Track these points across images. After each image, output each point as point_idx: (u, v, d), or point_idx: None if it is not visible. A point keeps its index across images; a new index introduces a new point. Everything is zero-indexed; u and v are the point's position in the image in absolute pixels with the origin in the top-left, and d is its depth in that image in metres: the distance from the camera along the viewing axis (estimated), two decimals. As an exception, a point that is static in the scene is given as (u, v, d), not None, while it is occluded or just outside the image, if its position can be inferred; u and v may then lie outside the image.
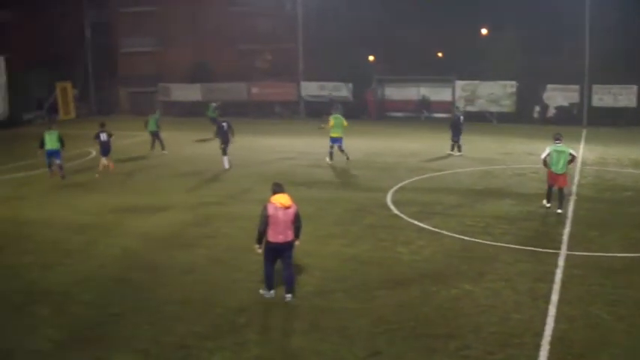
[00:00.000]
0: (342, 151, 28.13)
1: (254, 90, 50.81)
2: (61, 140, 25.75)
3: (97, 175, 26.69)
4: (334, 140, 28.18)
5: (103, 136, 26.77)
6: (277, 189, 12.78)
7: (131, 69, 56.65)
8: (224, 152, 27.21)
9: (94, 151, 31.60)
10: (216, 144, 28.38)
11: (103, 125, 27.39)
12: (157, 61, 55.66)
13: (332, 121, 28.13)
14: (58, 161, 25.97)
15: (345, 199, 21.46)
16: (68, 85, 52.08)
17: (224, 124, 27.65)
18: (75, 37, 55.69)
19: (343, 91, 49.16)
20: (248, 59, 55.26)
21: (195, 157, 30.09)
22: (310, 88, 50.20)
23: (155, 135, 32.24)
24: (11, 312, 12.71)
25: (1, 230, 18.78)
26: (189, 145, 33.80)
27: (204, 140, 36.06)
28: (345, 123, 28.43)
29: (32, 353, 10.93)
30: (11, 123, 46.32)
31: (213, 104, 39.64)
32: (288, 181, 23.61)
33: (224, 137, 27.27)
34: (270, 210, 12.39)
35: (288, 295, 12.74)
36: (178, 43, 53.90)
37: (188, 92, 51.53)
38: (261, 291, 13.08)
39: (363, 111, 48.09)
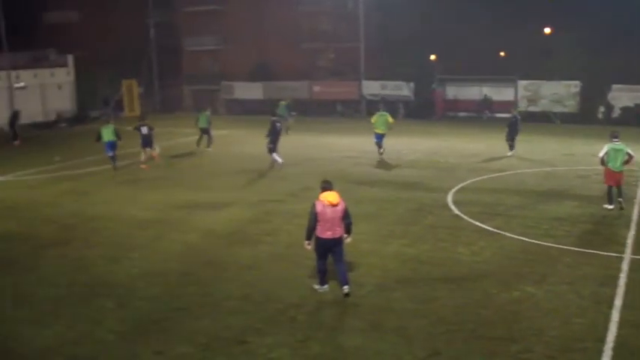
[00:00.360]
0: (379, 146, 29.46)
1: (316, 89, 51.00)
2: (116, 133, 27.37)
3: (142, 166, 27.91)
4: (376, 136, 29.64)
5: (144, 130, 27.94)
6: (326, 186, 12.94)
7: (195, 67, 57.47)
8: (271, 151, 27.29)
9: (158, 148, 32.23)
10: (288, 142, 28.60)
11: (143, 119, 28.73)
12: (221, 60, 56.33)
13: (375, 118, 29.84)
14: (110, 153, 27.45)
15: (406, 198, 21.39)
16: (133, 82, 53.11)
17: (278, 124, 27.73)
18: (140, 37, 56.77)
19: (404, 90, 48.94)
20: (310, 58, 55.48)
21: (258, 155, 30.30)
22: (372, 87, 50.12)
23: (205, 131, 32.77)
24: (78, 303, 13.08)
25: (68, 224, 19.34)
26: (251, 143, 34.08)
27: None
28: (390, 120, 29.73)
29: (97, 343, 11.22)
30: (78, 120, 47.49)
31: (283, 102, 39.95)
32: (350, 180, 23.81)
33: (275, 137, 27.34)
34: (319, 207, 12.61)
35: (346, 287, 12.89)
36: (241, 41, 54.44)
37: (250, 91, 52.01)
38: (314, 286, 13.28)
39: (427, 110, 47.73)
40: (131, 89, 53.10)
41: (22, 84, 48.52)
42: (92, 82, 54.15)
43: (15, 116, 38.83)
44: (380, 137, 29.45)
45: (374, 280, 13.77)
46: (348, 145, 33.40)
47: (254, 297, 12.97)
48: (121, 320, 12.13)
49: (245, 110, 50.30)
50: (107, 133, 27.39)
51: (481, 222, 18.16)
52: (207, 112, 33.87)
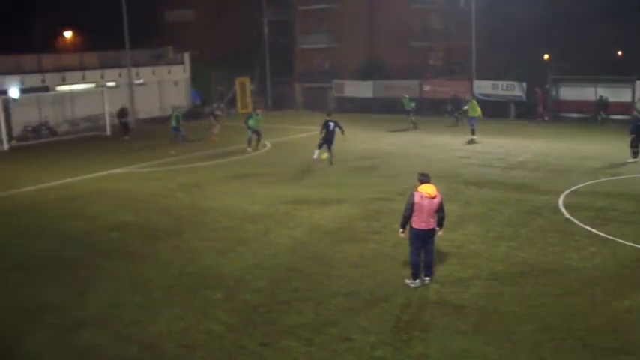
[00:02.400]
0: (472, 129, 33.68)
1: (426, 87, 50.55)
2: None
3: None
4: (471, 120, 34.40)
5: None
6: (424, 179, 13.38)
7: (306, 65, 58.09)
8: (320, 147, 27.94)
9: (268, 144, 32.90)
10: (400, 141, 28.52)
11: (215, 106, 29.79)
12: (332, 58, 56.73)
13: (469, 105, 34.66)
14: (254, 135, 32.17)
15: (516, 200, 20.94)
16: (246, 80, 54.17)
17: (331, 123, 27.90)
18: (254, 35, 57.88)
19: (516, 90, 47.83)
20: (421, 56, 55.10)
21: (368, 153, 30.41)
22: (483, 87, 49.20)
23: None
24: (187, 293, 13.55)
25: (182, 216, 20.03)
26: (361, 141, 34.19)
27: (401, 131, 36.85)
28: (478, 110, 34.11)
29: (205, 333, 11.59)
30: (192, 116, 48.90)
31: (406, 96, 40.29)
32: (459, 180, 23.54)
33: (329, 137, 27.77)
34: (417, 198, 13.02)
35: (427, 278, 13.35)
36: (353, 39, 54.64)
37: (361, 89, 52.08)
38: (406, 280, 13.41)
39: (536, 111, 46.50)
40: (244, 86, 54.17)
41: (141, 80, 50.44)
42: (207, 79, 55.69)
43: (123, 113, 40.27)
44: (473, 120, 33.90)
45: (480, 282, 13.59)
46: (459, 145, 32.94)
47: (360, 294, 13.05)
48: (228, 311, 12.48)
49: (355, 108, 50.43)
50: (255, 122, 31.63)
51: (593, 227, 17.57)
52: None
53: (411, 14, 53.91)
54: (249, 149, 32.28)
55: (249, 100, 53.75)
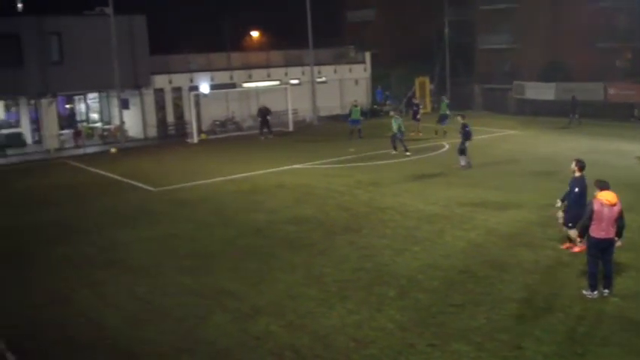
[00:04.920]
0: None
1: (611, 91, 48.08)
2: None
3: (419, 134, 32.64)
4: None
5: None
6: (603, 185, 12.89)
7: (487, 66, 57.04)
8: (462, 152, 27.27)
9: (447, 145, 32.75)
10: (581, 146, 27.44)
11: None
12: (513, 59, 55.35)
13: None
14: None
15: None
16: (426, 80, 54.04)
17: (467, 128, 27.38)
18: (434, 35, 57.59)
19: None
20: (607, 58, 52.41)
21: (548, 157, 29.46)
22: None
23: (355, 122, 37.11)
24: (361, 289, 13.84)
25: (360, 213, 20.46)
26: (541, 145, 33.20)
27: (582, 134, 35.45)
28: None
29: (377, 330, 11.79)
30: (372, 114, 49.51)
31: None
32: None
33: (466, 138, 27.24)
34: (596, 206, 12.58)
35: (606, 291, 12.76)
36: (534, 40, 53.00)
37: (542, 91, 50.43)
38: (584, 291, 12.91)
39: None
40: (424, 86, 54.07)
41: (323, 79, 51.69)
42: (387, 79, 56.15)
43: (265, 112, 41.22)
44: None
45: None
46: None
47: (534, 302, 12.77)
48: (400, 309, 12.62)
49: (535, 111, 48.93)
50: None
51: None
52: (358, 107, 38.65)
53: (596, 13, 51.29)
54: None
55: (428, 99, 53.58)
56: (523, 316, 12.15)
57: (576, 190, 15.14)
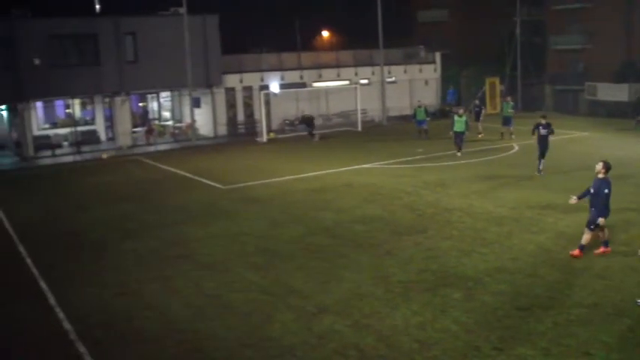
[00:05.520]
0: None
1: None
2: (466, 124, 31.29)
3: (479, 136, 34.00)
4: None
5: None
6: None
7: (558, 66, 55.94)
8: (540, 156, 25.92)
9: (517, 146, 32.36)
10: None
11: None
12: (585, 59, 54.14)
13: None
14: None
15: None
16: (496, 80, 53.41)
17: (544, 130, 25.75)
18: (506, 35, 56.81)
19: None
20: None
21: (621, 160, 28.68)
22: None
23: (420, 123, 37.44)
24: (426, 290, 13.83)
25: (426, 213, 20.43)
26: (616, 147, 32.41)
27: None
28: None
29: (441, 331, 11.78)
30: (442, 114, 49.17)
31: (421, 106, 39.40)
32: None
33: (542, 144, 25.87)
34: None
35: None
36: (608, 40, 51.69)
37: (614, 92, 49.20)
38: (638, 300, 12.63)
39: None
40: (494, 87, 53.46)
41: (392, 79, 51.60)
42: (457, 79, 55.70)
43: (308, 121, 41.29)
44: None
45: None
46: None
47: (604, 308, 12.53)
48: (466, 312, 12.57)
49: (607, 112, 47.80)
50: (458, 123, 31.01)
51: None
52: (422, 108, 38.62)
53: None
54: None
55: (498, 100, 52.96)
56: (591, 321, 11.94)
57: (606, 191, 15.13)
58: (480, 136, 36.95)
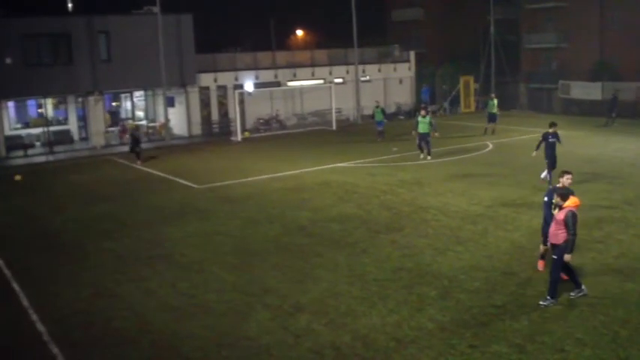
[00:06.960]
0: None
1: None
2: (431, 124, 29.89)
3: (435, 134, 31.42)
4: None
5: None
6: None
7: (533, 65, 56.39)
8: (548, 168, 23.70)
9: (491, 144, 32.56)
10: (628, 148, 26.96)
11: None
12: (559, 58, 54.60)
13: None
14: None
15: None
16: (470, 79, 53.71)
17: (552, 139, 23.54)
18: (480, 34, 57.16)
19: None
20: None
21: (593, 158, 29.03)
22: None
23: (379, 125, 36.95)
24: (402, 288, 13.87)
25: (401, 211, 20.50)
26: (588, 146, 32.71)
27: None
28: None
29: (416, 329, 11.82)
30: (415, 113, 49.21)
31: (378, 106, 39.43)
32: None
33: (550, 154, 23.62)
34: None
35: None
36: (582, 39, 52.15)
37: (588, 90, 49.66)
38: (572, 294, 12.93)
39: None
40: (468, 85, 53.76)
41: (367, 77, 51.70)
42: (431, 78, 55.92)
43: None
44: None
45: None
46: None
47: (577, 305, 12.64)
48: (441, 310, 12.62)
49: (581, 111, 48.25)
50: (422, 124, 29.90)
51: None
52: (379, 108, 38.40)
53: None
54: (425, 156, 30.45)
55: (472, 99, 53.28)
56: (566, 318, 12.05)
57: (545, 199, 14.81)
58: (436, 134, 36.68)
